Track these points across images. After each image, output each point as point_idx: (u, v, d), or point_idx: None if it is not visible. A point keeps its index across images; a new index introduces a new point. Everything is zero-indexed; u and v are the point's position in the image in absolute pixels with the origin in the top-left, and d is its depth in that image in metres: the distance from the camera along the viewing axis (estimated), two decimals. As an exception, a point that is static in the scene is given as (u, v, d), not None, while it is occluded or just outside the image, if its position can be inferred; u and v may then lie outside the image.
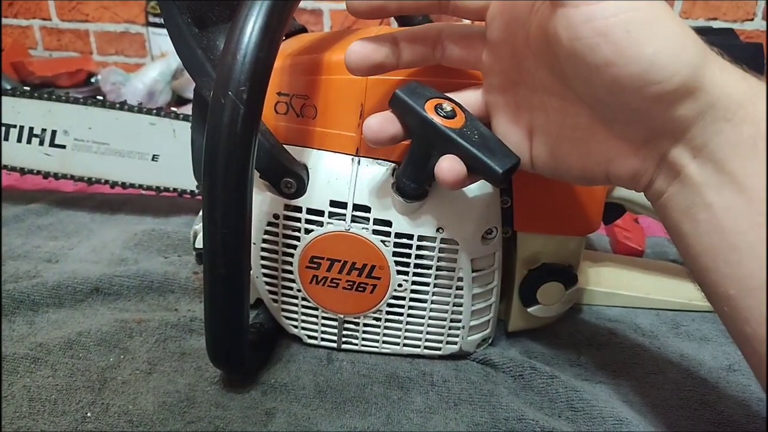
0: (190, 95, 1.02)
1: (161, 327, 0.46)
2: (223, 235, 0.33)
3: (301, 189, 0.39)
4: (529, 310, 0.43)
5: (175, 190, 0.61)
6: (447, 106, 0.33)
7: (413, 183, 0.36)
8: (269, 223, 0.40)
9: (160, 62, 1.04)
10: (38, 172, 0.63)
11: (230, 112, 0.31)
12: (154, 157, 0.60)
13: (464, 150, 0.31)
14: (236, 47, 0.31)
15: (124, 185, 0.62)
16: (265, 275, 0.42)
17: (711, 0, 1.08)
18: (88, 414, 0.38)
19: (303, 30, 0.51)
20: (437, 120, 0.32)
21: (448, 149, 0.32)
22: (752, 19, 1.09)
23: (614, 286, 0.51)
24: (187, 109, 0.87)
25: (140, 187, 0.62)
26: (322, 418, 0.38)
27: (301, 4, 0.36)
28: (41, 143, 0.61)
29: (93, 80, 1.11)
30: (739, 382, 0.42)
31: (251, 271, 0.42)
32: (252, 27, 0.31)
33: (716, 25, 1.10)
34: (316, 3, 1.17)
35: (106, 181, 0.62)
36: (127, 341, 0.44)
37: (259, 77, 0.31)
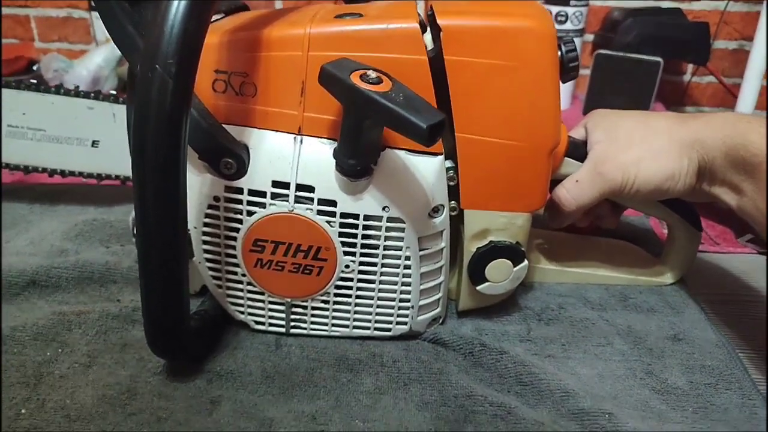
0: (137, 81, 0.99)
1: (102, 318, 0.44)
2: (156, 217, 0.32)
3: (241, 169, 0.37)
4: (478, 288, 0.43)
5: (117, 177, 0.58)
6: (372, 74, 0.33)
7: (351, 159, 0.35)
8: (210, 206, 0.39)
9: (105, 47, 1.00)
10: (-30, 162, 0.59)
11: (158, 86, 0.29)
12: (94, 143, 0.57)
13: (389, 110, 0.32)
14: (163, 19, 0.30)
15: (63, 173, 0.59)
16: (208, 260, 0.40)
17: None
18: (23, 411, 0.36)
19: (244, 8, 0.49)
20: (362, 85, 0.32)
21: (375, 112, 0.32)
22: (700, -1, 1.11)
23: (564, 262, 0.51)
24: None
25: (80, 174, 0.59)
26: (269, 403, 0.37)
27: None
28: (-29, 131, 0.58)
29: (34, 68, 1.06)
30: (684, 350, 0.43)
31: (194, 257, 0.40)
32: (179, -2, 0.30)
33: (665, 4, 1.11)
34: (267, -14, 1.13)
35: (44, 170, 0.59)
36: (65, 334, 0.42)
37: (188, 49, 0.30)
